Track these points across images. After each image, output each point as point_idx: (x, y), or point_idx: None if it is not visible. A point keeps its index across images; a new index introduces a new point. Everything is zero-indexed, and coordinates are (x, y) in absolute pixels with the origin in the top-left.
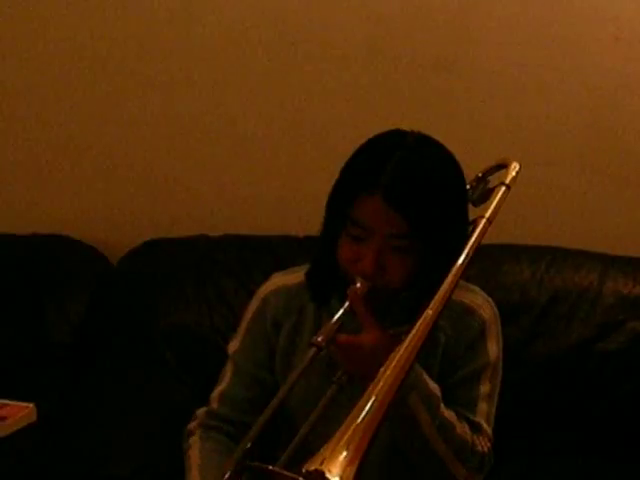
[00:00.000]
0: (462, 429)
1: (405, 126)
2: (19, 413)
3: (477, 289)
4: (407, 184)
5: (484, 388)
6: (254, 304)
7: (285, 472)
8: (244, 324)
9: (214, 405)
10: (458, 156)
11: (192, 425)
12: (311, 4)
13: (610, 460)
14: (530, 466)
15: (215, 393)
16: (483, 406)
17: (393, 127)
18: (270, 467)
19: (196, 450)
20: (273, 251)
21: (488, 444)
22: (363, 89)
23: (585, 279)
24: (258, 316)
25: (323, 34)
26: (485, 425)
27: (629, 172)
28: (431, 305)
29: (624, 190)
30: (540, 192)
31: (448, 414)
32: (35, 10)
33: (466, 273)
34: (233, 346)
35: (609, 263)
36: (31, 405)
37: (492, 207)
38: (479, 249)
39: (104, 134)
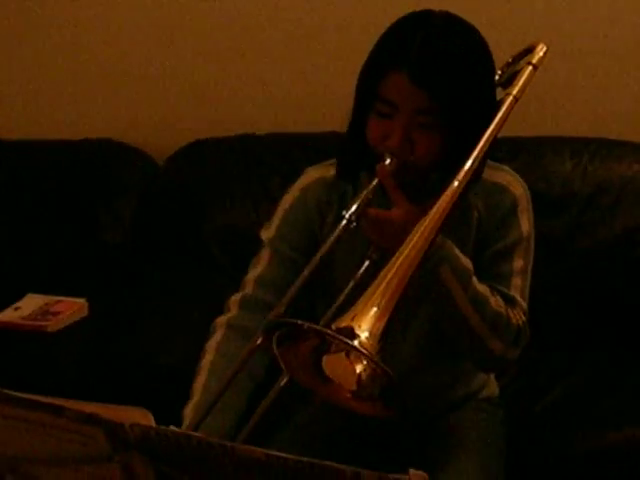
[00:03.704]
0: (496, 303)
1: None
2: (72, 308)
3: (507, 168)
4: (431, 60)
5: (517, 263)
6: (292, 195)
7: (315, 326)
8: (280, 213)
9: (248, 289)
10: (495, 42)
11: (220, 319)
12: None
13: None
14: (575, 357)
15: (250, 276)
16: (517, 281)
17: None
18: (299, 322)
19: (210, 357)
20: (317, 148)
21: (523, 317)
22: None
23: (629, 170)
24: (298, 205)
25: None
26: (519, 299)
27: None
28: (457, 176)
29: None
30: (583, 83)
31: (482, 288)
32: None
33: (502, 160)
34: (268, 233)
35: None
36: (83, 300)
37: (519, 85)
38: (521, 142)
39: (145, 39)
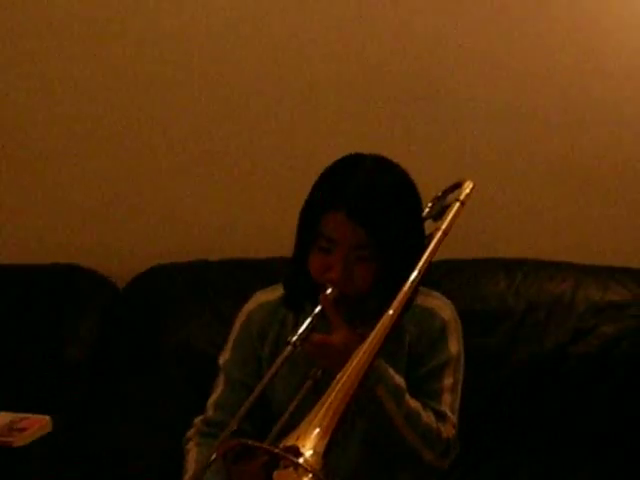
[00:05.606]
0: (428, 417)
1: (379, 149)
2: (36, 424)
3: (438, 294)
4: (366, 200)
5: (447, 381)
6: (240, 320)
7: (264, 445)
8: (232, 338)
9: (210, 413)
10: (425, 178)
11: (190, 433)
12: (295, 44)
13: (586, 457)
14: (511, 464)
15: (210, 402)
16: (447, 397)
17: (370, 152)
18: (250, 442)
19: (192, 456)
20: (266, 272)
21: (453, 431)
22: (345, 121)
23: (559, 288)
24: (244, 330)
25: (305, 69)
26: (449, 413)
27: (594, 187)
28: (392, 306)
29: (592, 204)
30: (515, 209)
31: (414, 404)
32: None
33: (440, 286)
34: (223, 358)
35: (581, 272)
36: (47, 417)
37: (447, 220)
38: (459, 263)
39: (105, 166)
